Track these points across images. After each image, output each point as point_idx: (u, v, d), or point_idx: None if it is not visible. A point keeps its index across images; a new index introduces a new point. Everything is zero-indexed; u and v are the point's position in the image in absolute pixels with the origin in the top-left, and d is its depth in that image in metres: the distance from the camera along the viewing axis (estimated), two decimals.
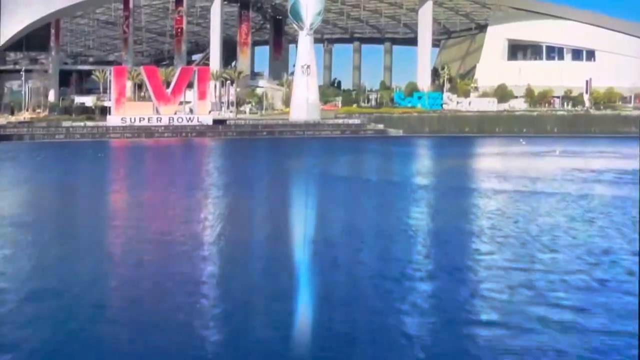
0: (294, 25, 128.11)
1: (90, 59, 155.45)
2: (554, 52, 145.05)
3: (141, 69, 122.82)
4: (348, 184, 49.57)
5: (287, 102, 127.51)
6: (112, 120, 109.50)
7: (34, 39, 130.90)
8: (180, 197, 42.09)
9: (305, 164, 67.18)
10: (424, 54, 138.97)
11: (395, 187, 47.75)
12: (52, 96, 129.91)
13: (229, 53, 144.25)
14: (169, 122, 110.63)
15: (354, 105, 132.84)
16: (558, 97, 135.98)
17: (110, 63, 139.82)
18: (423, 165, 69.13)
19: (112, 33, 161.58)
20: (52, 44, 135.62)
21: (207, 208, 38.00)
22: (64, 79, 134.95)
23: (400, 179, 52.96)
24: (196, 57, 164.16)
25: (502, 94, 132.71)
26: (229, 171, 61.20)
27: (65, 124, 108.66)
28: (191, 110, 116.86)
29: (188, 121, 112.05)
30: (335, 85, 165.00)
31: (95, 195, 43.84)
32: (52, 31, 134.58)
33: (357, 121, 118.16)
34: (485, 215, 35.23)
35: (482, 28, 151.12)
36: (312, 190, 46.58)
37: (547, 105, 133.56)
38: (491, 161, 72.36)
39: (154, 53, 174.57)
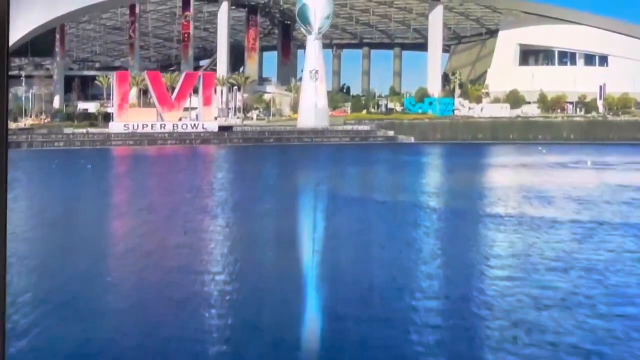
0: (303, 30, 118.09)
1: (97, 65, 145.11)
2: (567, 58, 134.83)
3: (145, 74, 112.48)
4: (361, 209, 38.65)
5: (295, 108, 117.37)
6: (115, 127, 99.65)
7: (39, 45, 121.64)
8: (154, 228, 31.60)
9: (313, 179, 55.67)
10: (435, 60, 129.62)
11: (420, 213, 36.97)
12: (57, 102, 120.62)
13: (237, 58, 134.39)
14: (173, 129, 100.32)
15: (364, 112, 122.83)
16: (571, 103, 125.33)
17: (117, 69, 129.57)
18: (445, 181, 57.36)
19: (119, 38, 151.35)
20: (57, 49, 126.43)
21: (188, 256, 27.47)
22: (70, 85, 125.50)
23: (424, 200, 41.97)
24: (204, 62, 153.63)
25: (515, 99, 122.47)
26: (225, 189, 50.47)
27: (67, 131, 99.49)
28: (197, 117, 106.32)
29: (193, 128, 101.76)
30: (345, 91, 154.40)
31: (50, 225, 33.43)
32: (57, 37, 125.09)
33: (367, 128, 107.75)
34: (557, 267, 24.12)
35: (493, 33, 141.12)
36: (320, 220, 35.36)
37: (560, 111, 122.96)
38: (520, 175, 60.12)
39: (161, 59, 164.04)
